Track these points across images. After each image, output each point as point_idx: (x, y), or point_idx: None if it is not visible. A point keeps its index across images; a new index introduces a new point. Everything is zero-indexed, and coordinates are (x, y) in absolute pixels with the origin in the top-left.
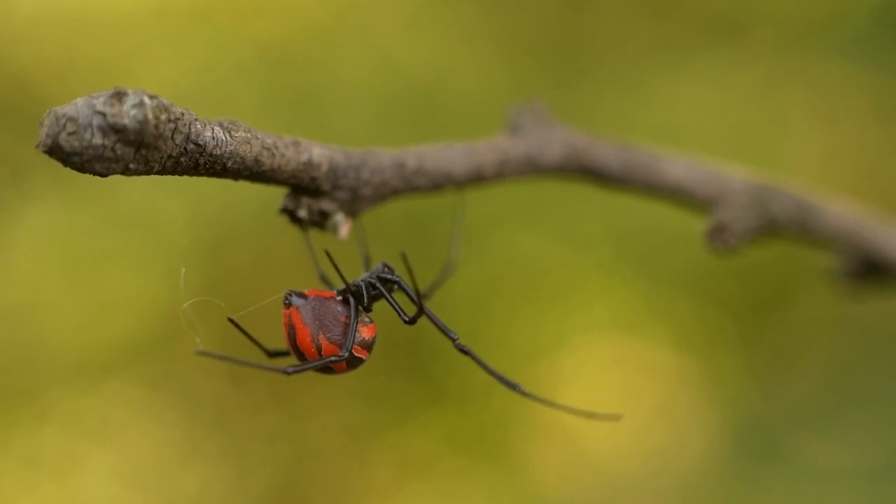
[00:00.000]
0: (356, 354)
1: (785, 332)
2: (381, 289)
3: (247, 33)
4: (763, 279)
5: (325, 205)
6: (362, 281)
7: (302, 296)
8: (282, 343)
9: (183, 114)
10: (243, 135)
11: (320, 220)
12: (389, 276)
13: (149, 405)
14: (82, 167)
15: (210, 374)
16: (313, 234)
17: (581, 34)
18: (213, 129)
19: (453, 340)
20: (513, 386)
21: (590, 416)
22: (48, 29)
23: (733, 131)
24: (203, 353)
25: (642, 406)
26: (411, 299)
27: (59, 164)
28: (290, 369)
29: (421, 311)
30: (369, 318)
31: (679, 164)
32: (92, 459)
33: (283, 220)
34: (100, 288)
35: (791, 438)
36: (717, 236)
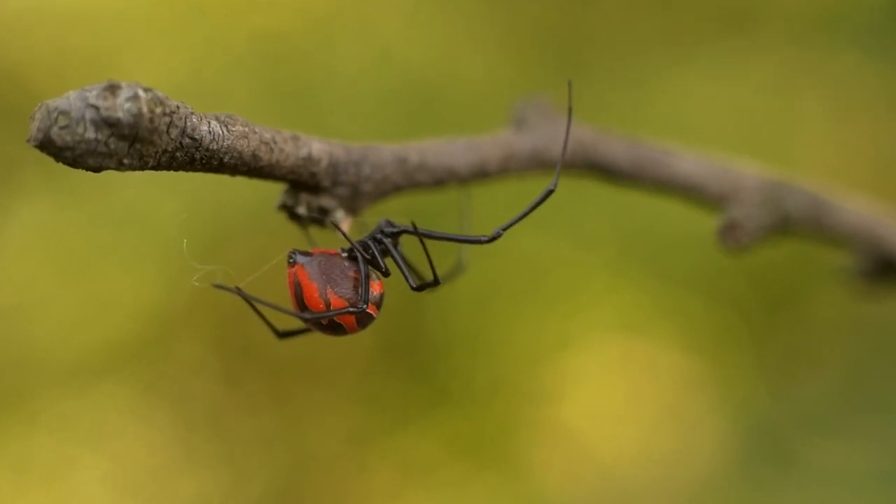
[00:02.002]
0: (367, 311)
1: (797, 332)
2: (387, 243)
3: (242, 26)
4: (775, 278)
5: (325, 201)
6: (367, 238)
7: (306, 253)
8: (289, 324)
9: (178, 107)
10: (241, 129)
11: (320, 217)
12: (393, 229)
13: (143, 408)
14: (75, 162)
15: (205, 376)
16: (313, 231)
17: (587, 26)
18: (209, 123)
19: (481, 241)
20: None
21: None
22: (40, 22)
23: (745, 126)
24: (219, 287)
25: (650, 408)
26: (417, 232)
27: (51, 160)
28: (308, 315)
29: (436, 282)
30: (376, 274)
31: (689, 160)
32: (84, 464)
33: (281, 218)
34: (93, 287)
35: (802, 442)
36: (730, 234)
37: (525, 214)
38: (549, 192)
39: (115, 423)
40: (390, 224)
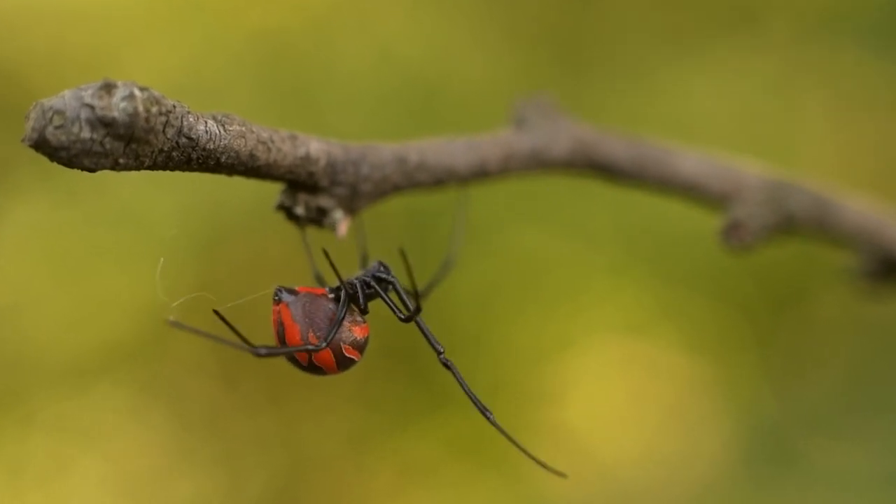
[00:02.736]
0: (347, 354)
1: (801, 333)
2: (377, 287)
3: (241, 24)
4: (779, 278)
5: (324, 201)
6: (357, 279)
7: (292, 292)
8: (271, 340)
9: (175, 106)
10: (238, 128)
11: (318, 218)
12: (385, 276)
13: (139, 409)
14: (70, 162)
15: (203, 376)
16: (310, 232)
17: (589, 23)
18: (206, 122)
19: (438, 353)
20: (483, 410)
21: (541, 465)
22: (39, 20)
23: (748, 124)
24: (175, 325)
25: (652, 409)
26: (404, 303)
27: (45, 159)
28: (264, 350)
29: (417, 310)
30: (362, 317)
31: (691, 159)
32: (80, 466)
33: (279, 218)
34: (89, 287)
35: (806, 442)
36: (733, 234)
37: (469, 396)
38: (487, 418)
39: (111, 424)
40: (384, 269)
